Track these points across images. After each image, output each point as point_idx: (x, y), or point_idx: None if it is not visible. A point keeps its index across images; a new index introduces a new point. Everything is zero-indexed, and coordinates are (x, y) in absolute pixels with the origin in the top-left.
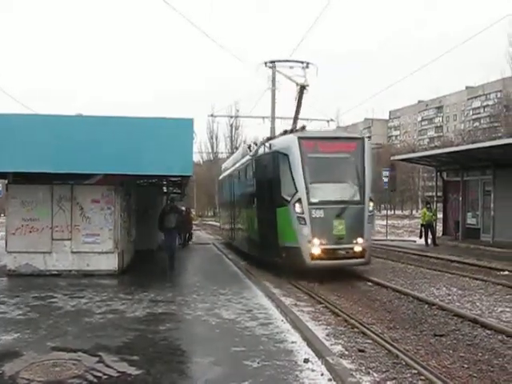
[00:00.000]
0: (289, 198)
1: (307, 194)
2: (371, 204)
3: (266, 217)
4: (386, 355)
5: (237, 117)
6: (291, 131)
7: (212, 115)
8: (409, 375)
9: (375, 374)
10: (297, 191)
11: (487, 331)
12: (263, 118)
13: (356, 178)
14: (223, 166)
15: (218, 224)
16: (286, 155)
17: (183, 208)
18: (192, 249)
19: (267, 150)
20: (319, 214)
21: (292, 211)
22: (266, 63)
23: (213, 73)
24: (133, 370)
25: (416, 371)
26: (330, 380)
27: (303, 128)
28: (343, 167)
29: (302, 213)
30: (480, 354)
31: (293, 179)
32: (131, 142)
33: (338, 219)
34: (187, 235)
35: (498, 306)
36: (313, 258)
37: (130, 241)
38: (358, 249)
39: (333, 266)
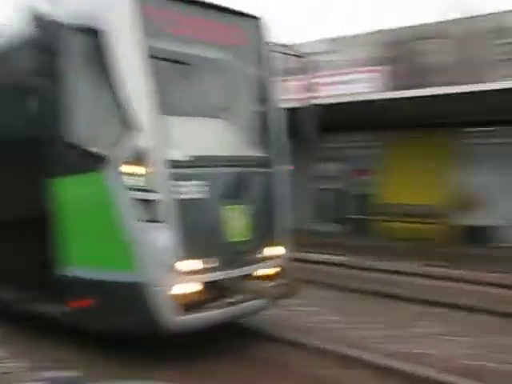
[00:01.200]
0: (102, 152)
1: (163, 136)
2: (284, 166)
3: (10, 204)
4: None
5: None
6: None
7: None
8: None
9: None
10: (129, 128)
11: None
12: None
13: (253, 104)
14: None
15: None
16: (95, 32)
17: None
18: None
19: (28, 30)
20: (196, 190)
21: (116, 184)
22: None
23: None
24: None
25: None
26: None
27: None
28: (226, 79)
29: (152, 189)
30: None
31: (113, 95)
32: None
33: (236, 204)
34: None
35: None
36: (185, 306)
37: None
38: (271, 270)
39: (229, 318)
